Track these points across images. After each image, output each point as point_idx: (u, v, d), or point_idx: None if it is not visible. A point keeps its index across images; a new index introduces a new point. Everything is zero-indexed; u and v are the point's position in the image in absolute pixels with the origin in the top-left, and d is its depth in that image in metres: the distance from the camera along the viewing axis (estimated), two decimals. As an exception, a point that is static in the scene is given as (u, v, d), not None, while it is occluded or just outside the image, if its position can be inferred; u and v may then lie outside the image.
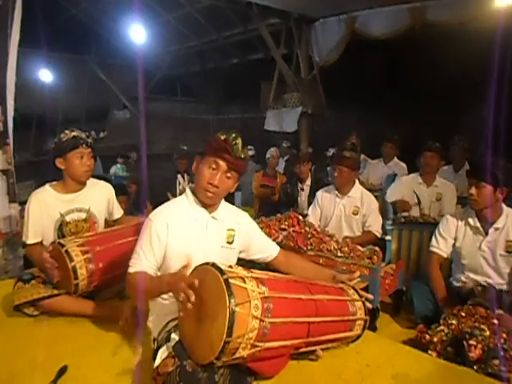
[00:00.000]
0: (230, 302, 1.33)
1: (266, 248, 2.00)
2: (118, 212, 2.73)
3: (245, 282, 1.44)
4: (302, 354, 1.72)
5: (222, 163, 1.72)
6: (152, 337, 1.77)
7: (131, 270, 1.72)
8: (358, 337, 1.84)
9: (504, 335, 1.96)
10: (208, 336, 1.39)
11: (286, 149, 6.59)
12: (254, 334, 1.40)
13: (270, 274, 1.64)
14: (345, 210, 3.22)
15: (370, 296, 1.85)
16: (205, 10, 7.66)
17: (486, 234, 2.47)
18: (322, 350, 1.74)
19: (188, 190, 1.85)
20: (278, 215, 2.74)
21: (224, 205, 1.90)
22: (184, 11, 7.98)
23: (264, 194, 5.10)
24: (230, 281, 1.38)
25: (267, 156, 5.29)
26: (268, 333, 1.43)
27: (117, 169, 7.75)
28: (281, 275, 1.73)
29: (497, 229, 2.44)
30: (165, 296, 1.74)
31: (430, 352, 2.07)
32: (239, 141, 1.74)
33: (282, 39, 6.95)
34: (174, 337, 1.60)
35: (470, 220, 2.52)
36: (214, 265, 1.44)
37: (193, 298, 1.33)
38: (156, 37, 8.18)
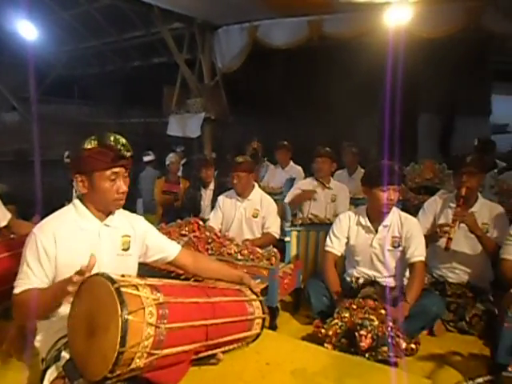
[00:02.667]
0: (122, 310, 1.28)
1: (164, 248, 1.94)
2: (4, 218, 2.48)
3: (138, 289, 1.39)
4: (203, 359, 1.70)
5: (120, 170, 1.66)
6: (40, 357, 1.63)
7: (18, 290, 1.58)
8: (258, 336, 1.88)
9: (391, 324, 2.13)
10: (101, 349, 1.31)
11: (180, 153, 6.56)
12: (150, 341, 1.36)
13: (166, 280, 1.60)
14: (245, 213, 3.30)
15: None
16: (104, 9, 7.29)
17: (376, 231, 2.66)
18: (223, 352, 1.75)
19: (76, 200, 1.74)
20: (179, 221, 2.71)
21: (117, 211, 1.82)
22: (81, 9, 7.52)
23: (167, 201, 5.02)
24: (122, 289, 1.33)
25: (167, 162, 5.23)
26: (165, 339, 1.40)
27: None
28: (177, 281, 1.70)
29: (385, 226, 2.65)
30: None
31: (326, 345, 2.18)
32: (122, 140, 1.68)
33: (185, 44, 6.88)
34: (65, 355, 1.49)
35: (362, 219, 2.71)
36: (103, 275, 1.38)
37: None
38: (50, 35, 7.59)
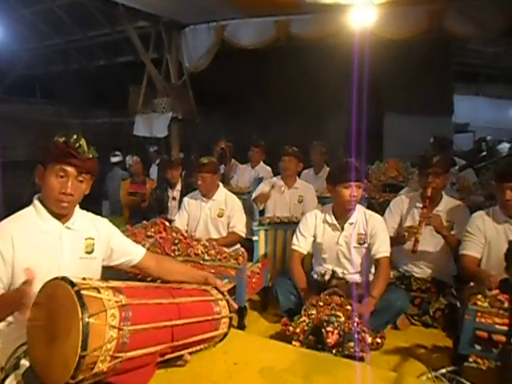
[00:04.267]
0: (82, 313, 1.25)
1: (129, 251, 1.90)
2: None
3: (99, 292, 1.36)
4: (170, 361, 1.68)
5: (70, 169, 1.61)
6: (-1, 366, 1.57)
7: None
8: (225, 335, 1.87)
9: (357, 319, 2.17)
10: (62, 355, 1.28)
11: (154, 154, 6.47)
12: (113, 344, 1.33)
13: (129, 282, 1.58)
14: (211, 214, 3.30)
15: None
16: (67, 6, 7.09)
17: (342, 229, 2.71)
18: (190, 353, 1.73)
19: (36, 201, 1.68)
20: (144, 222, 2.67)
21: (80, 213, 1.77)
22: (43, 6, 7.29)
23: (133, 202, 4.94)
24: (83, 292, 1.30)
25: (128, 164, 5.14)
26: (128, 342, 1.38)
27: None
28: (141, 283, 1.67)
29: (351, 223, 2.70)
30: (10, 319, 1.56)
31: (293, 343, 2.19)
32: (83, 141, 1.63)
33: (151, 43, 6.79)
34: (24, 363, 1.44)
35: (328, 217, 2.74)
36: (63, 278, 1.34)
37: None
38: (10, 32, 7.37)
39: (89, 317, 1.26)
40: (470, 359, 2.01)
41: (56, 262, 1.64)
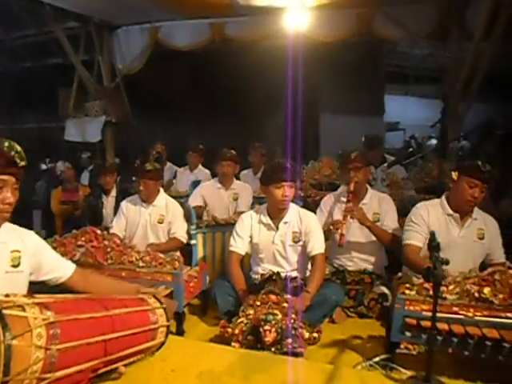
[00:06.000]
0: (4, 335, 1.17)
1: (58, 267, 1.82)
2: None
3: (24, 310, 1.28)
4: (103, 375, 1.62)
5: (8, 178, 1.54)
6: None
7: None
8: (162, 344, 1.83)
9: (293, 316, 2.21)
10: (-17, 382, 1.20)
11: (87, 159, 6.23)
12: (40, 365, 1.25)
13: (59, 296, 1.50)
14: (150, 219, 3.21)
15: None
16: (-12, 5, 6.68)
17: (277, 228, 2.75)
18: (126, 365, 1.68)
19: None
20: (74, 231, 2.55)
21: (4, 224, 1.67)
22: (-36, 6, 6.81)
23: (66, 211, 4.71)
24: (5, 312, 1.22)
25: (58, 171, 4.93)
26: (57, 361, 1.31)
27: None
28: (71, 296, 1.60)
29: (286, 222, 2.75)
30: None
31: (233, 344, 2.19)
32: (17, 146, 1.55)
33: (81, 44, 6.52)
34: None
35: (263, 218, 2.78)
36: (-16, 297, 1.26)
37: None
38: None
39: (12, 338, 1.18)
40: (402, 346, 2.12)
41: None
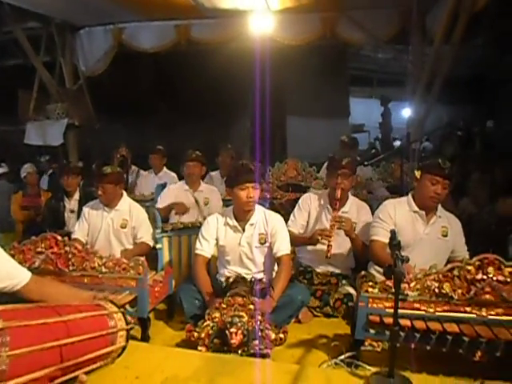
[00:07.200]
0: None
1: (13, 274, 1.74)
2: None
3: (-30, 318, 1.23)
4: (63, 384, 1.57)
5: None
6: None
7: None
8: (124, 348, 1.79)
9: (260, 317, 2.20)
10: None
11: (46, 163, 6.04)
12: None
13: (7, 305, 1.44)
14: (113, 224, 3.14)
15: None
16: None
17: (244, 230, 2.74)
18: (87, 373, 1.62)
19: None
20: (33, 238, 2.46)
21: None
22: None
23: (27, 217, 4.55)
24: None
25: (23, 174, 4.75)
26: (8, 369, 1.26)
27: None
28: (22, 304, 1.54)
29: (251, 224, 2.75)
30: None
31: (199, 348, 2.17)
32: None
33: (42, 45, 6.33)
34: None
35: (229, 220, 2.76)
36: None
37: None
38: None
39: (-45, 347, 1.13)
40: (366, 343, 2.14)
41: None
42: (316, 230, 2.90)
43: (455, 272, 2.05)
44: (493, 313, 2.01)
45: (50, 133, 6.09)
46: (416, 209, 2.64)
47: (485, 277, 2.00)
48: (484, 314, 2.01)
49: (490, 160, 5.86)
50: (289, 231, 2.85)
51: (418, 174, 2.63)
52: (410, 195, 2.72)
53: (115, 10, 5.52)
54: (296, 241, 2.95)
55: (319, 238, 2.80)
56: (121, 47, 6.15)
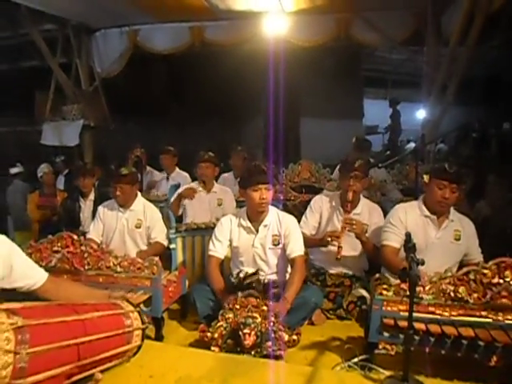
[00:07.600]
0: (-31, 341, 1.15)
1: (30, 274, 1.77)
2: None
3: (-10, 315, 1.26)
4: (79, 382, 1.59)
5: None
6: None
7: None
8: (139, 348, 1.81)
9: (273, 319, 2.20)
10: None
11: (61, 164, 6.11)
12: (9, 370, 1.23)
13: (27, 303, 1.47)
14: (128, 224, 3.18)
15: None
16: (-40, 7, 6.51)
17: (257, 231, 2.75)
18: (102, 371, 1.65)
19: None
20: (50, 237, 2.50)
21: None
22: None
23: (43, 217, 4.61)
24: (-30, 317, 1.19)
25: (39, 174, 4.82)
26: (28, 366, 1.29)
27: None
28: (40, 302, 1.56)
29: (265, 226, 2.76)
30: None
31: (212, 348, 2.18)
32: None
33: (58, 47, 6.43)
34: None
35: (243, 221, 2.78)
36: None
37: None
38: None
39: (-24, 343, 1.15)
40: (380, 346, 2.13)
41: None
42: (326, 231, 2.91)
43: (471, 276, 2.03)
44: (509, 317, 1.99)
45: (66, 133, 6.19)
46: (427, 213, 2.61)
47: (501, 281, 1.98)
48: (500, 318, 1.99)
49: (507, 162, 5.78)
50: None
51: (426, 178, 2.61)
52: (420, 199, 2.69)
53: (130, 12, 5.58)
54: (307, 242, 2.93)
55: (329, 239, 2.79)
56: (136, 49, 6.22)
